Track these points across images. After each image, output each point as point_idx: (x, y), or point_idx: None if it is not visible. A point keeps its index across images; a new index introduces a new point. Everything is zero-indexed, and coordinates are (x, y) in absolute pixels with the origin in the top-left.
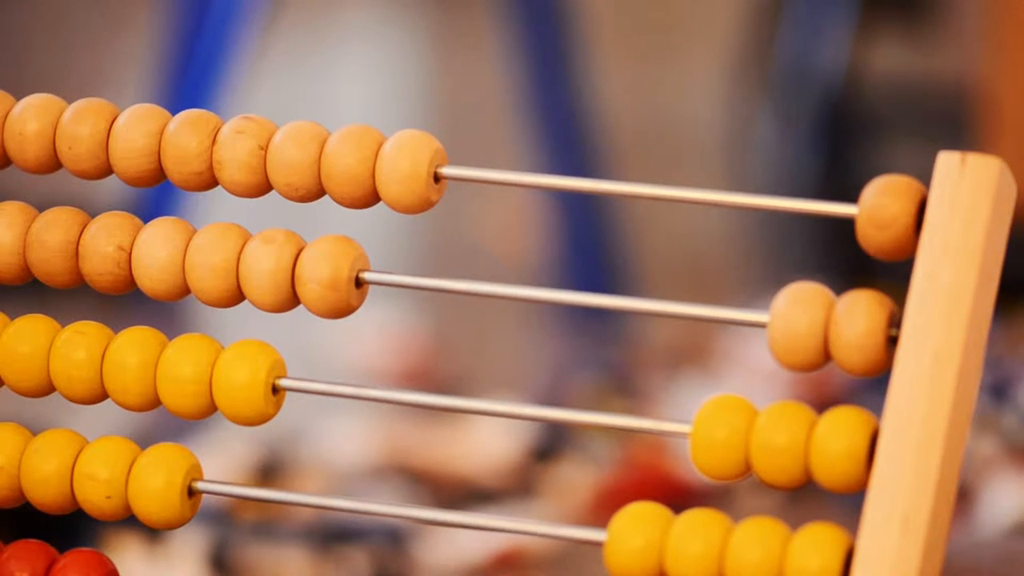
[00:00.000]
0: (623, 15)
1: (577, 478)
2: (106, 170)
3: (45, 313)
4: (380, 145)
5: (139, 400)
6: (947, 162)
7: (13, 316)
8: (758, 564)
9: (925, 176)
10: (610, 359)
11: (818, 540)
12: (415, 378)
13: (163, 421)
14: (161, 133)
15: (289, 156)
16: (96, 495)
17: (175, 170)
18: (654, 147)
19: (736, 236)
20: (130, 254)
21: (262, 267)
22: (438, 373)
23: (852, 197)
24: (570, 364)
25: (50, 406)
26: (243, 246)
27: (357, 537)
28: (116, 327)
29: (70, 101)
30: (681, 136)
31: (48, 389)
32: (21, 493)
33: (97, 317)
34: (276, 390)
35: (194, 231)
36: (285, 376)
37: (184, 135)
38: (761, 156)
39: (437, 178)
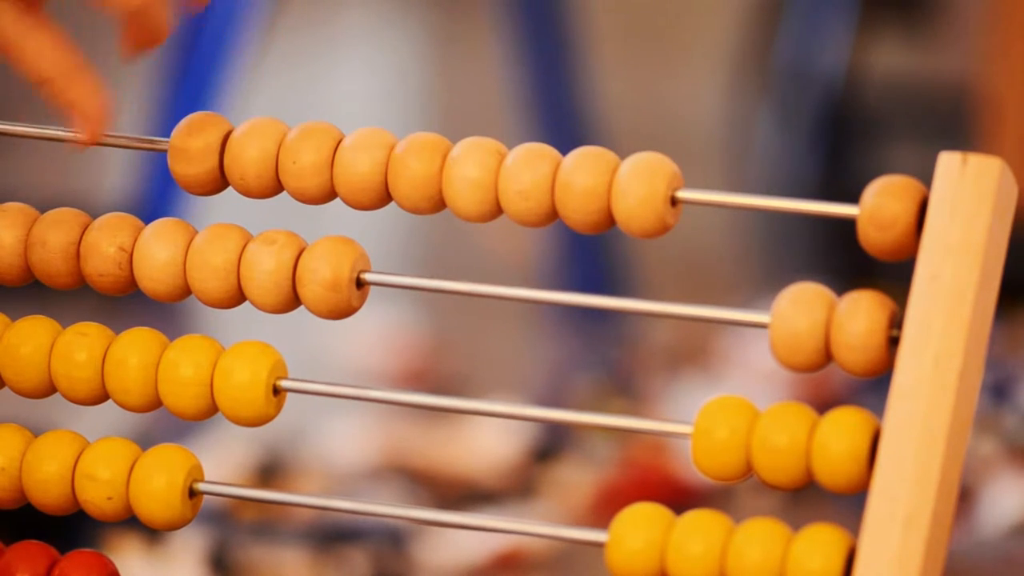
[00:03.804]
0: (623, 16)
1: (577, 478)
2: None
3: (46, 314)
4: (616, 167)
5: (140, 401)
6: (948, 162)
7: (14, 317)
8: (759, 565)
9: (926, 176)
10: (610, 359)
11: (819, 541)
12: (415, 378)
13: (164, 422)
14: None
15: (523, 178)
16: (97, 496)
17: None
18: (654, 147)
19: (736, 236)
20: (131, 255)
21: (263, 268)
22: (438, 373)
23: (853, 197)
24: (570, 364)
25: (51, 407)
26: (244, 247)
27: (357, 537)
28: (117, 328)
29: None
30: (681, 136)
31: (49, 390)
32: (22, 494)
33: (98, 318)
34: (277, 391)
35: (195, 232)
36: (286, 377)
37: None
38: (761, 156)
39: (674, 201)
